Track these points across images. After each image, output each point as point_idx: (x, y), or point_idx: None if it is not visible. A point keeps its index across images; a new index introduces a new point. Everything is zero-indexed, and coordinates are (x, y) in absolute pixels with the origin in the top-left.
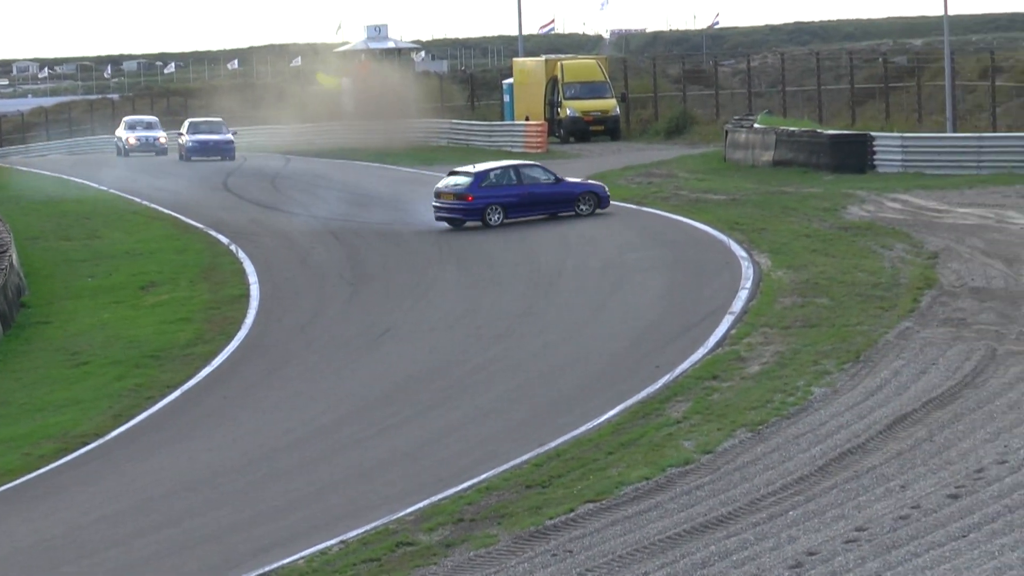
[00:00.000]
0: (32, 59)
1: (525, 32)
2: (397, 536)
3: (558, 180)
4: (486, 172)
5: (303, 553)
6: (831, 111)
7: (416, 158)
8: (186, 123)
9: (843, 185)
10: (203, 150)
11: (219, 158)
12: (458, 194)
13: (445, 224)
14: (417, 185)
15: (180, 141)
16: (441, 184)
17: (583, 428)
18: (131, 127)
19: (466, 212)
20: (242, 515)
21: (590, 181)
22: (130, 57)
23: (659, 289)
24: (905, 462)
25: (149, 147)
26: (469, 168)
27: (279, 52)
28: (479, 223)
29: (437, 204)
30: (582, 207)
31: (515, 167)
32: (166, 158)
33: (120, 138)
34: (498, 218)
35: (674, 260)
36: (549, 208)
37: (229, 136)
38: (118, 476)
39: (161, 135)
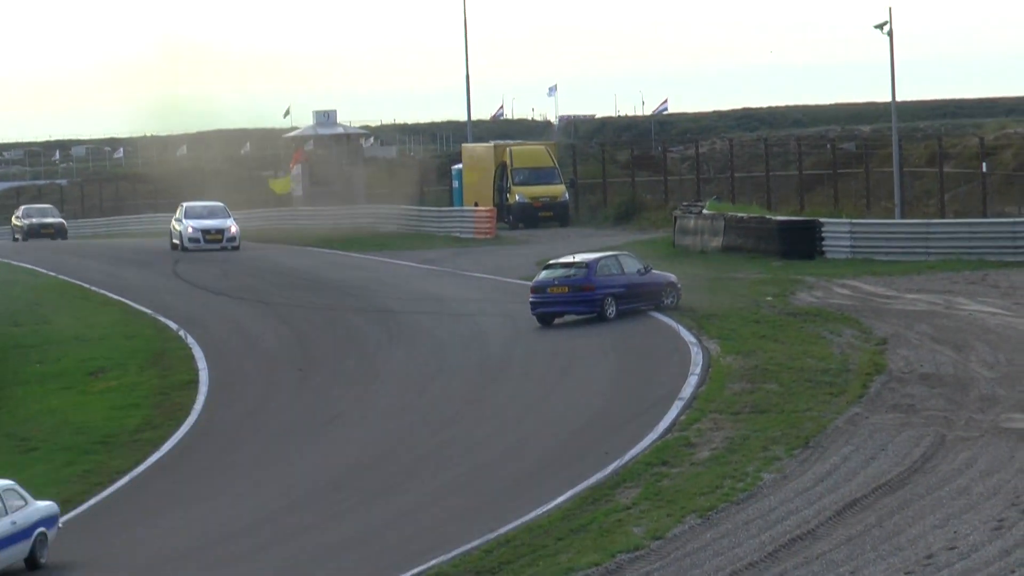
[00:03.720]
0: None
1: (474, 118)
2: None
3: (647, 270)
4: (596, 261)
5: None
6: (780, 197)
7: (366, 244)
8: None
9: (792, 271)
10: None
11: None
12: (575, 285)
13: (535, 320)
14: (364, 271)
15: None
16: (544, 276)
17: (533, 514)
18: (28, 215)
19: (587, 304)
20: None
21: (667, 273)
22: (78, 142)
23: (608, 374)
24: (855, 548)
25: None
26: (570, 259)
27: (228, 137)
28: (594, 315)
29: (541, 299)
30: (666, 300)
31: (615, 256)
32: (110, 242)
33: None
34: (613, 310)
35: (623, 345)
36: (642, 300)
37: None
38: (68, 563)
39: (59, 219)
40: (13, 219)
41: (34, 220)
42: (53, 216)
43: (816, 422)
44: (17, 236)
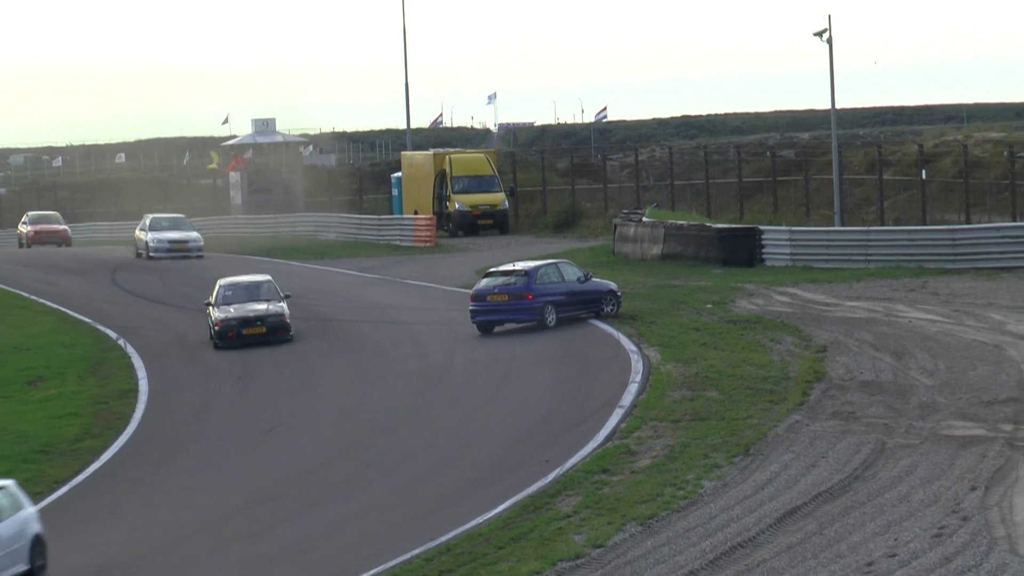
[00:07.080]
0: None
1: (413, 126)
2: None
3: (587, 278)
4: (537, 269)
5: None
6: (719, 204)
7: (305, 252)
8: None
9: (732, 278)
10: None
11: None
12: (515, 293)
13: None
14: (303, 279)
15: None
16: (484, 284)
17: (473, 522)
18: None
19: (527, 312)
20: None
21: (607, 281)
22: (16, 151)
23: (549, 383)
24: (795, 556)
25: None
26: (510, 267)
27: (166, 145)
28: (534, 323)
29: (481, 307)
30: (606, 307)
31: (555, 264)
32: (47, 250)
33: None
34: (553, 318)
35: (563, 354)
36: (582, 307)
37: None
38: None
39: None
40: (137, 230)
41: (161, 236)
42: (186, 230)
43: (756, 430)
44: (140, 252)
